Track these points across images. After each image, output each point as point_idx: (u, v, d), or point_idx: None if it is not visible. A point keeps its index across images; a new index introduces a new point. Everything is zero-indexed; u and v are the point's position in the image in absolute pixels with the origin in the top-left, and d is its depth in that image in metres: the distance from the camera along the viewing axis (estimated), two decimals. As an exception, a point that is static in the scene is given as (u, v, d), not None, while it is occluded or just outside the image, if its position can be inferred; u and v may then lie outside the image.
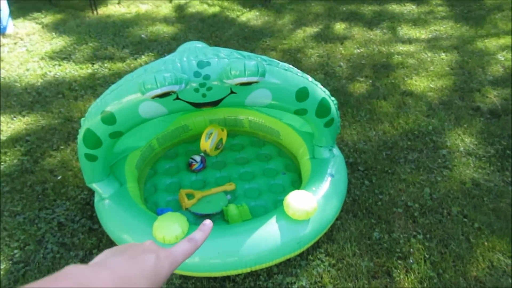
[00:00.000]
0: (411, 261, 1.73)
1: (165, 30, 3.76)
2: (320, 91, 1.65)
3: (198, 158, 2.11)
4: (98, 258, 0.39)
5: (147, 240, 0.45)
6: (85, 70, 3.08)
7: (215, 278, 1.64)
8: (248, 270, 1.60)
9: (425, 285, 1.64)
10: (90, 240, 1.79)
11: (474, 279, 1.67)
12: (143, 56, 3.29)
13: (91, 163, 1.69)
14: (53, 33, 3.75)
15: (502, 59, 3.37)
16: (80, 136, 1.62)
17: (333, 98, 1.74)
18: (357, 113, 2.65)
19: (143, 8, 4.27)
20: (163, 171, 2.12)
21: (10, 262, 1.69)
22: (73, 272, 0.34)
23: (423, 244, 1.80)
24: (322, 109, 1.67)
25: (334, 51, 3.48)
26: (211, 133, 2.16)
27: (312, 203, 1.65)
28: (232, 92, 1.43)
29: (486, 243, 1.81)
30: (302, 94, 1.56)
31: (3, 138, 2.41)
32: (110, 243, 1.77)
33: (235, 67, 1.30)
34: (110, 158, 1.79)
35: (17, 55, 3.38)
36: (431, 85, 2.98)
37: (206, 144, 2.15)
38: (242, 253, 1.56)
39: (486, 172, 2.21)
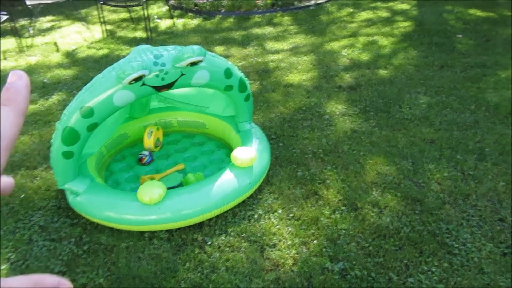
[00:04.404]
0: (328, 182, 2.38)
1: (64, 73, 4.00)
2: (238, 71, 2.25)
3: (146, 152, 2.50)
4: None
5: None
6: (0, 115, 3.19)
7: (194, 225, 2.06)
8: (218, 212, 2.07)
9: (341, 193, 2.30)
10: (76, 230, 2.05)
11: (370, 182, 2.38)
12: (53, 96, 3.51)
13: (67, 161, 1.99)
14: None
15: (345, 54, 4.43)
16: (58, 138, 1.92)
17: (246, 78, 2.35)
18: (257, 104, 3.31)
19: (33, 60, 4.42)
20: (118, 170, 2.45)
21: (9, 262, 1.86)
22: None
23: (332, 171, 2.48)
24: (242, 85, 2.27)
25: (221, 67, 4.16)
26: (151, 132, 2.58)
27: (252, 153, 2.21)
28: (182, 74, 1.94)
29: (371, 161, 2.57)
30: (228, 72, 2.14)
31: None
32: (95, 228, 2.06)
33: (186, 51, 1.83)
34: (80, 156, 2.10)
35: None
36: (303, 77, 3.83)
37: (150, 141, 2.56)
38: (211, 199, 2.03)
39: (358, 123, 3.03)
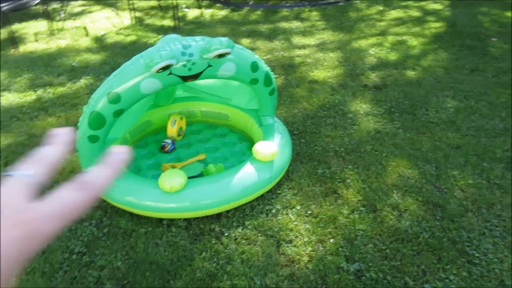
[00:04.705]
0: (348, 181, 2.36)
1: (92, 58, 4.08)
2: (264, 65, 2.24)
3: (169, 141, 2.53)
4: None
5: None
6: (30, 96, 3.28)
7: (212, 216, 2.07)
8: (236, 204, 2.08)
9: (361, 193, 2.28)
10: (97, 213, 2.10)
11: (391, 184, 2.35)
12: (81, 80, 3.58)
13: (92, 145, 2.02)
14: (-26, 74, 3.82)
15: (373, 53, 4.36)
16: (84, 122, 1.96)
17: (272, 73, 2.34)
18: (280, 99, 3.30)
19: (62, 43, 4.52)
20: (140, 156, 2.49)
21: (31, 240, 1.92)
22: None
23: (353, 171, 2.45)
24: (268, 79, 2.26)
25: (247, 60, 4.15)
26: (175, 121, 2.60)
27: (273, 148, 2.20)
28: (209, 65, 1.94)
29: (393, 163, 2.53)
30: (254, 66, 2.13)
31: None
32: (115, 212, 2.10)
33: (214, 43, 1.83)
34: (105, 141, 2.13)
35: None
36: (329, 74, 3.80)
37: (173, 129, 2.59)
38: (231, 191, 2.04)
39: (382, 123, 2.99)
